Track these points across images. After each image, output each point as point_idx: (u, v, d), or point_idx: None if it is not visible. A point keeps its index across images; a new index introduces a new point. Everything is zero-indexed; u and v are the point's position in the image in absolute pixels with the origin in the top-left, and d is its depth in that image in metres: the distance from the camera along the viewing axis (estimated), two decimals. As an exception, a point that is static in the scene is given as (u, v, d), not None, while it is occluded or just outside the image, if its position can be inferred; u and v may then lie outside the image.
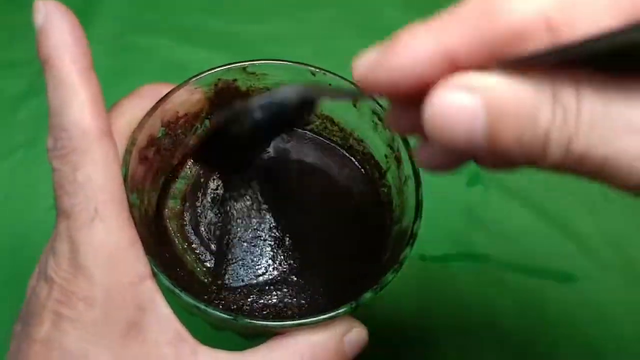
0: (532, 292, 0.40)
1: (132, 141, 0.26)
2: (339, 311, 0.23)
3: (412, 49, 0.16)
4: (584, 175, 0.15)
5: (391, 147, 0.30)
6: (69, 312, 0.22)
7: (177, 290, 0.23)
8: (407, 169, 0.28)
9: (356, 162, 0.32)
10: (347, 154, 0.33)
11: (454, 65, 0.16)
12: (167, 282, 0.23)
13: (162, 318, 0.23)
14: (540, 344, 0.40)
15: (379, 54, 0.17)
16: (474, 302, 0.42)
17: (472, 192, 0.45)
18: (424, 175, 0.29)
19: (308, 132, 0.33)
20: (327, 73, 0.29)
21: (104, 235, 0.22)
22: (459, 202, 0.44)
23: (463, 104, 0.15)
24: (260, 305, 0.28)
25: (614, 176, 0.15)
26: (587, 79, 0.14)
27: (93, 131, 0.22)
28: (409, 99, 0.17)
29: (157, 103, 0.28)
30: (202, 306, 0.23)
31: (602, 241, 0.42)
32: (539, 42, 0.15)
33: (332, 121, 0.32)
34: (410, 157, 0.28)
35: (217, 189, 0.31)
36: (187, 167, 0.31)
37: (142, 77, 0.53)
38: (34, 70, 0.52)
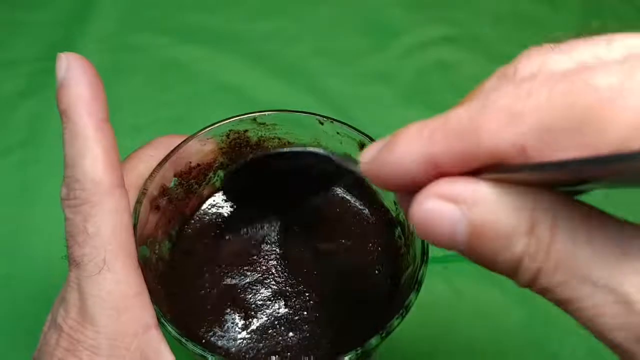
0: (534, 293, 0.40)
1: (142, 191, 0.27)
2: (345, 358, 0.24)
3: (403, 151, 0.16)
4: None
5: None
6: None
7: (183, 340, 0.24)
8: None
9: (368, 212, 0.32)
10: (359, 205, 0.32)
11: (441, 171, 0.16)
12: (173, 332, 0.24)
13: None
14: (544, 346, 0.40)
15: (379, 151, 0.17)
16: (473, 303, 0.42)
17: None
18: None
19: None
20: (334, 121, 0.30)
21: (111, 285, 0.23)
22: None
23: (444, 212, 0.15)
24: (265, 352, 0.28)
25: (578, 318, 0.15)
26: (567, 215, 0.15)
27: (105, 184, 0.23)
28: (411, 190, 0.17)
29: (168, 154, 0.28)
30: (210, 356, 0.24)
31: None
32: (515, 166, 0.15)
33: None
34: None
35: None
36: (200, 215, 0.32)
37: (142, 75, 0.53)
38: (32, 70, 0.52)
